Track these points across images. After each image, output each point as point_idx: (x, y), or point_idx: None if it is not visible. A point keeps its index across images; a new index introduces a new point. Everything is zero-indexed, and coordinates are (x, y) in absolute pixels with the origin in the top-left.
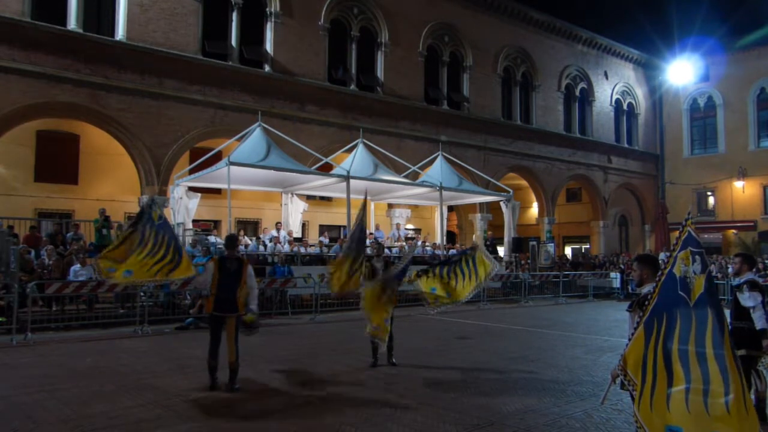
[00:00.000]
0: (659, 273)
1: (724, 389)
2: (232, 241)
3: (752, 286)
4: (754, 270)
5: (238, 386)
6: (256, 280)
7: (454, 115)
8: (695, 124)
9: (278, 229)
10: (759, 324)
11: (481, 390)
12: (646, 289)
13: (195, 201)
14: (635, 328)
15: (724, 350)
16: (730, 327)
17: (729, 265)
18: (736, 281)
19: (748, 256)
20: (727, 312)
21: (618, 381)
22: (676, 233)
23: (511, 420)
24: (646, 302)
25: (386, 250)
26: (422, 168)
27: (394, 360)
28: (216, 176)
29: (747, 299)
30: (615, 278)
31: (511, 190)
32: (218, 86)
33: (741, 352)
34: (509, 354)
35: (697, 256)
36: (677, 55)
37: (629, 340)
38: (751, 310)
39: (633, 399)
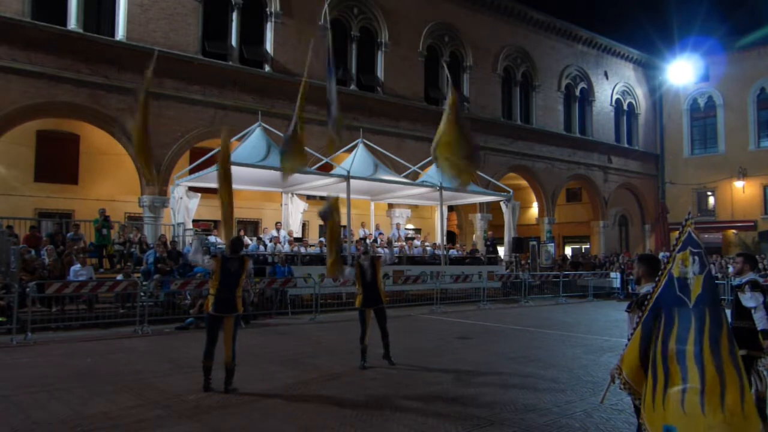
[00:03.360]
0: (659, 273)
1: (720, 390)
2: (236, 244)
3: (754, 286)
4: (755, 270)
5: (234, 387)
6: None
7: None
8: (695, 124)
9: (278, 229)
10: (760, 325)
11: (481, 390)
12: (645, 289)
13: (195, 201)
14: (634, 329)
15: (721, 350)
16: (730, 326)
17: (729, 265)
18: (737, 281)
19: (750, 256)
20: (727, 312)
21: (617, 381)
22: (676, 233)
23: (511, 420)
24: (645, 302)
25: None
26: (422, 168)
27: (392, 359)
28: (216, 176)
29: (749, 299)
30: (615, 278)
31: (511, 190)
32: (218, 86)
33: (742, 352)
34: (509, 354)
35: (696, 257)
36: (677, 55)
37: (628, 340)
38: (753, 311)
39: (633, 401)
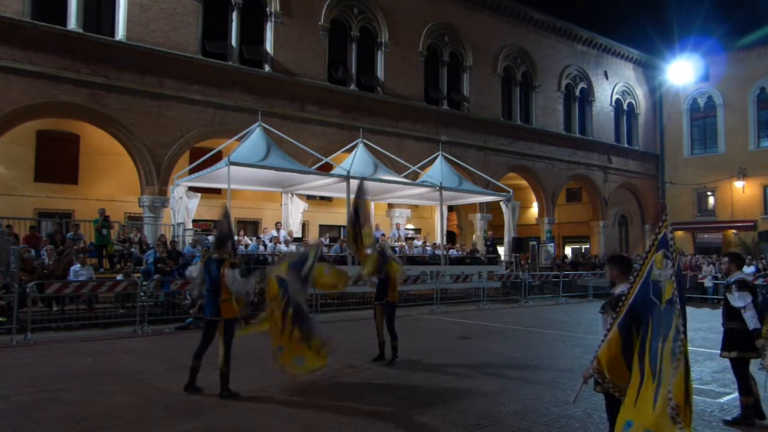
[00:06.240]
0: (634, 274)
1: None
2: (219, 241)
3: (741, 285)
4: (743, 269)
5: (227, 393)
6: (238, 277)
7: (454, 115)
8: (695, 124)
9: (278, 229)
10: (751, 324)
11: (481, 390)
12: (620, 289)
13: (195, 201)
14: (608, 329)
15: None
16: (723, 328)
17: None
18: (708, 280)
19: (736, 255)
20: (719, 312)
21: (590, 381)
22: (652, 235)
23: (511, 420)
24: (620, 303)
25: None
26: (422, 168)
27: (397, 359)
28: (216, 176)
29: (737, 299)
30: None
31: (511, 190)
32: (218, 86)
33: (733, 354)
34: (509, 354)
35: (668, 261)
36: (677, 55)
37: (602, 341)
38: (742, 311)
39: (607, 398)
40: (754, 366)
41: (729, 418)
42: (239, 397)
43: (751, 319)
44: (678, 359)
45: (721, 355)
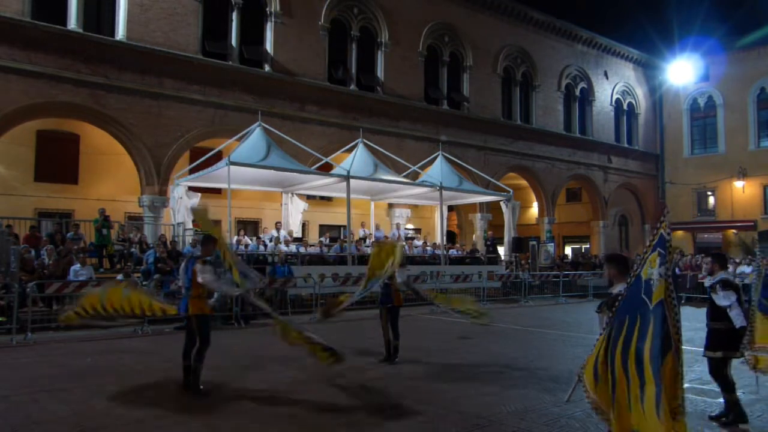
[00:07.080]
0: (631, 274)
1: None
2: (204, 241)
3: (725, 285)
4: (726, 269)
5: (196, 391)
6: (207, 274)
7: (454, 115)
8: (695, 124)
9: (278, 229)
10: (737, 322)
11: (481, 390)
12: (617, 289)
13: (195, 201)
14: (604, 329)
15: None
16: (707, 328)
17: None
18: (708, 282)
19: (719, 255)
20: (704, 310)
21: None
22: (650, 236)
23: (511, 420)
24: (617, 303)
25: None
26: (422, 168)
27: (394, 359)
28: (216, 176)
29: (722, 299)
30: None
31: (511, 190)
32: (218, 86)
33: (718, 354)
34: (509, 354)
35: (663, 260)
36: (677, 55)
37: (597, 340)
38: (728, 310)
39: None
40: (733, 363)
41: (713, 413)
42: (209, 396)
43: (737, 317)
44: (668, 358)
45: (704, 355)
